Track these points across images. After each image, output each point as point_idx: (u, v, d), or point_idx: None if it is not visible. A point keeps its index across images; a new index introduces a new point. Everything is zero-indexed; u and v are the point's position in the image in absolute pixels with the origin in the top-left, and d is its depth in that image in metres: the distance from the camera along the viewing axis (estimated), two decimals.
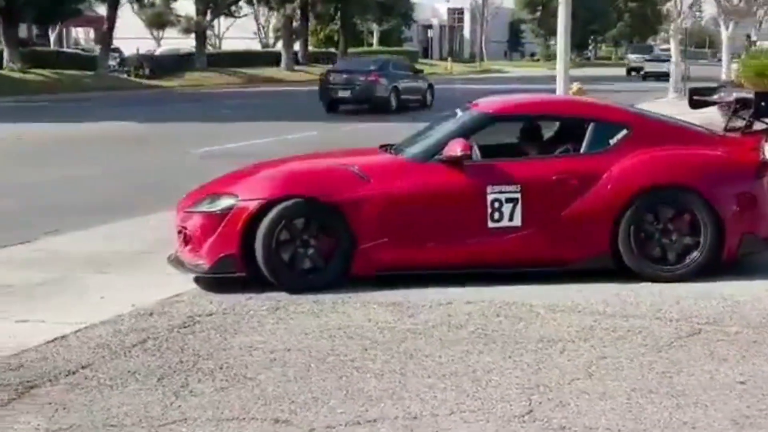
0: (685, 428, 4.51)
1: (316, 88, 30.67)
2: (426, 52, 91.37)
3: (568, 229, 7.30)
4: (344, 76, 28.68)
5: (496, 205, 7.28)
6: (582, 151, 7.52)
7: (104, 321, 6.64)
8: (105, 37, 44.92)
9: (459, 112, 8.21)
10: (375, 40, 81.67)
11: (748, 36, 48.40)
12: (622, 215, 7.24)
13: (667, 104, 27.48)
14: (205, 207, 7.59)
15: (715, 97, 9.43)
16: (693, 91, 10.70)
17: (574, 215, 7.30)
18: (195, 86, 45.22)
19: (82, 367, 5.65)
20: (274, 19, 72.06)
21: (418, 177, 7.39)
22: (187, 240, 7.79)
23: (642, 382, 5.14)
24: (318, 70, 59.28)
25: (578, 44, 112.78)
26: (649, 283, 7.23)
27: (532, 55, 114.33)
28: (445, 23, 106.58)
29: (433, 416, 4.72)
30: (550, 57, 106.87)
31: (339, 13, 59.45)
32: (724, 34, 43.19)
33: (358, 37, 75.18)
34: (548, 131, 8.01)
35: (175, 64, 47.87)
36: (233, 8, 52.75)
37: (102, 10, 48.31)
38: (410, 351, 5.78)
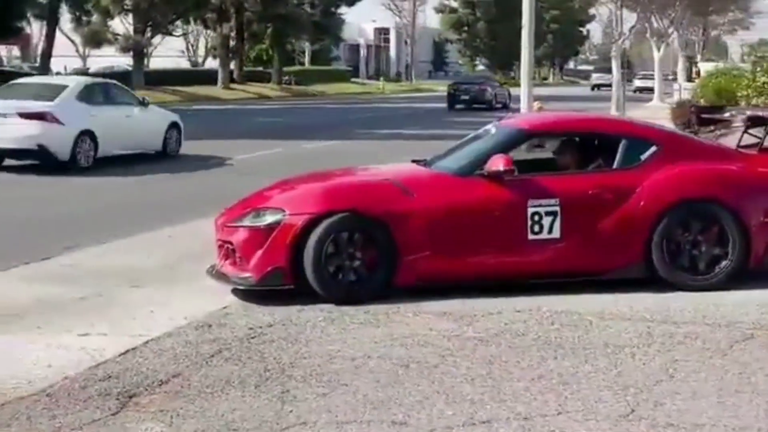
0: None
1: (256, 106, 31.52)
2: (355, 72, 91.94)
3: (604, 241, 7.64)
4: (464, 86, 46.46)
5: (536, 218, 7.59)
6: (615, 166, 7.88)
7: (168, 333, 6.78)
8: (45, 55, 44.37)
9: (492, 129, 8.51)
10: (306, 60, 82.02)
11: (691, 58, 49.88)
12: (655, 227, 7.60)
13: None
14: (251, 222, 7.76)
15: (726, 115, 9.89)
16: (699, 110, 11.18)
17: (610, 227, 7.64)
18: None
19: (173, 377, 5.79)
20: (209, 39, 71.98)
21: (461, 191, 7.68)
22: (228, 254, 7.94)
23: (723, 382, 5.47)
24: (253, 88, 59.59)
25: (502, 64, 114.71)
26: (681, 293, 7.60)
27: (456, 75, 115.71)
28: (372, 43, 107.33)
29: (542, 416, 4.98)
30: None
31: (271, 33, 59.53)
32: (656, 55, 44.48)
33: (289, 56, 75.31)
34: (579, 148, 8.34)
35: None
36: (170, 27, 52.40)
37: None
38: (487, 357, 6.03)
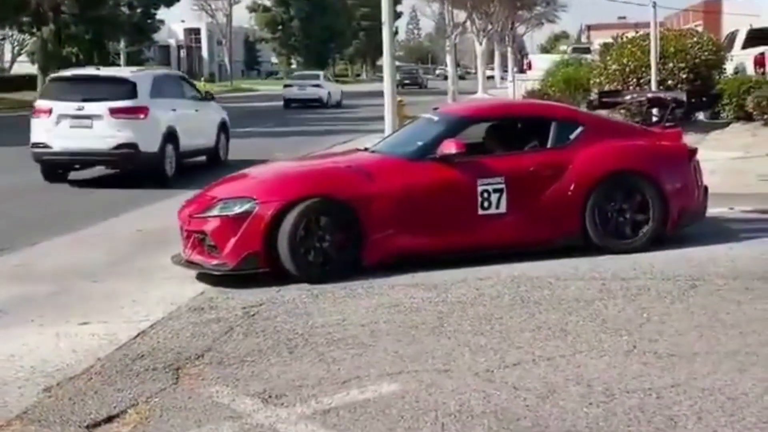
0: (764, 346, 5.78)
1: None
2: None
3: (544, 213, 8.50)
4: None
5: (485, 195, 8.38)
6: (548, 146, 8.76)
7: (167, 317, 7.19)
8: None
9: (432, 117, 9.25)
10: (122, 61, 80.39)
11: (521, 50, 52.02)
12: (587, 199, 8.52)
13: None
14: (221, 211, 8.21)
15: (627, 98, 10.93)
16: (601, 94, 12.25)
17: (548, 201, 8.51)
18: None
19: (206, 351, 6.24)
20: (14, 44, 69.71)
21: (417, 174, 8.38)
22: (196, 243, 8.36)
23: (695, 321, 6.39)
24: None
25: (317, 61, 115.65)
26: (613, 256, 8.54)
27: (269, 74, 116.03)
28: (183, 43, 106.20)
29: (562, 357, 5.74)
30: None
31: (91, 35, 58.32)
32: (479, 49, 46.34)
33: (105, 58, 73.70)
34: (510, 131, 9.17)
35: None
36: None
37: None
38: (480, 316, 6.75)
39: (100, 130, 14.97)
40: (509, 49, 69.92)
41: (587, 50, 38.94)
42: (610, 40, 20.69)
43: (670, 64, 16.54)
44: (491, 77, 58.34)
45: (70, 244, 10.57)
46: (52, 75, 18.05)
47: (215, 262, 8.19)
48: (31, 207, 13.67)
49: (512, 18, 63.96)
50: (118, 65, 77.84)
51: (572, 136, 8.78)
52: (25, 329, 7.00)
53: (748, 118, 17.09)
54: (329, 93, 45.03)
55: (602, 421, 4.73)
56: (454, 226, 8.39)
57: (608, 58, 17.94)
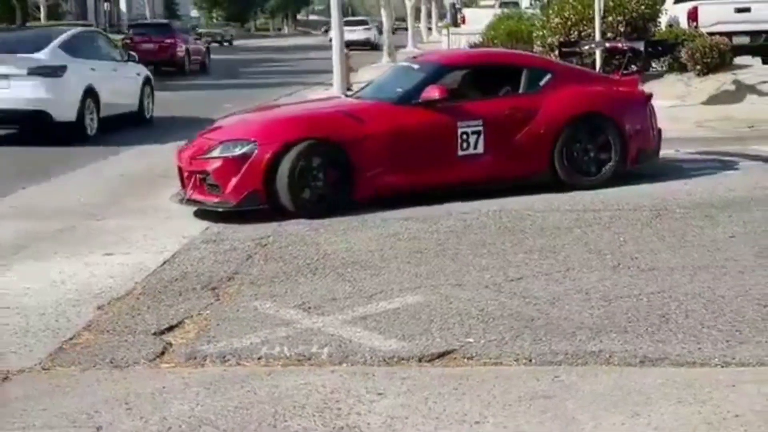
0: (730, 261, 6.66)
1: None
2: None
3: (518, 153, 9.29)
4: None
5: (464, 137, 9.12)
6: (520, 91, 9.55)
7: (185, 248, 7.80)
8: None
9: (412, 65, 9.96)
10: (43, 15, 79.07)
11: (454, 5, 52.65)
12: (556, 139, 9.33)
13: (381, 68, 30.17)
14: (223, 152, 8.81)
15: (586, 48, 11.68)
16: (561, 44, 13.01)
17: (521, 142, 9.30)
18: None
19: (234, 273, 6.91)
20: None
21: (403, 117, 9.11)
22: (197, 183, 8.96)
23: (667, 242, 7.26)
24: None
25: (239, 15, 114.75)
26: (579, 191, 9.36)
27: (193, 27, 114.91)
28: None
29: (558, 272, 6.55)
30: (215, 28, 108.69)
31: None
32: (408, 3, 46.94)
33: (25, 13, 72.45)
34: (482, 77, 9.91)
35: None
36: None
37: None
38: (475, 242, 7.52)
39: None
40: (433, 3, 70.66)
41: (516, 4, 39.85)
42: None
43: (610, 18, 17.42)
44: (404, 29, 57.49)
45: (61, 186, 11.04)
46: None
47: (217, 200, 8.81)
48: None
49: None
50: (38, 19, 76.90)
51: (542, 83, 9.56)
52: (52, 261, 7.54)
53: (682, 69, 18.11)
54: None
55: (606, 319, 5.53)
56: (436, 165, 9.12)
57: (550, 11, 18.77)
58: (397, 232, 8.00)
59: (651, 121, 9.92)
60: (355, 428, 4.18)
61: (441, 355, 5.08)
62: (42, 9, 77.64)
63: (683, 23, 19.32)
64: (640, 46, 10.52)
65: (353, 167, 8.85)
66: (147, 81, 17.85)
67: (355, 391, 4.59)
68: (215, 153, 8.88)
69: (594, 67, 10.51)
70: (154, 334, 5.64)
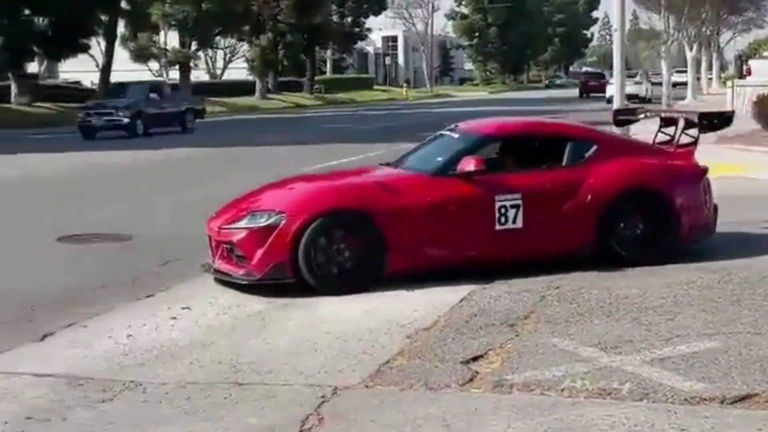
0: None
1: (300, 114, 32.95)
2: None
3: (559, 228, 8.89)
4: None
5: (503, 210, 8.79)
6: (564, 164, 9.11)
7: (481, 287, 8.21)
8: (104, 70, 45.95)
9: (452, 135, 9.68)
10: (328, 68, 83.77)
11: (740, 56, 51.37)
12: (602, 214, 8.87)
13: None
14: (250, 223, 8.58)
15: (641, 116, 11.09)
16: (617, 111, 12.39)
17: (565, 216, 8.89)
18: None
19: (531, 312, 7.26)
20: (226, 52, 73.57)
21: (439, 189, 8.73)
22: (224, 254, 8.77)
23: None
24: (288, 98, 61.23)
25: (513, 69, 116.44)
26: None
27: (463, 80, 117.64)
28: (380, 51, 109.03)
29: None
30: (488, 81, 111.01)
31: (306, 43, 61.32)
32: (689, 55, 46.11)
33: (313, 65, 77.04)
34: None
35: None
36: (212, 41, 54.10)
37: None
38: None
39: None
40: (714, 55, 68.81)
41: None
42: None
43: None
44: (683, 83, 56.14)
45: None
46: None
47: (242, 272, 8.52)
48: None
49: (720, 23, 62.94)
50: (324, 72, 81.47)
51: (587, 155, 9.13)
52: (361, 294, 8.16)
53: None
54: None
55: None
56: (473, 239, 8.75)
57: None
58: (690, 280, 8.09)
59: (706, 197, 9.38)
60: None
61: (743, 398, 5.21)
62: (328, 63, 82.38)
63: None
64: (694, 117, 9.86)
65: (385, 240, 8.49)
66: None
67: (659, 426, 4.81)
68: (242, 224, 8.65)
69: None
70: (462, 362, 6.08)
